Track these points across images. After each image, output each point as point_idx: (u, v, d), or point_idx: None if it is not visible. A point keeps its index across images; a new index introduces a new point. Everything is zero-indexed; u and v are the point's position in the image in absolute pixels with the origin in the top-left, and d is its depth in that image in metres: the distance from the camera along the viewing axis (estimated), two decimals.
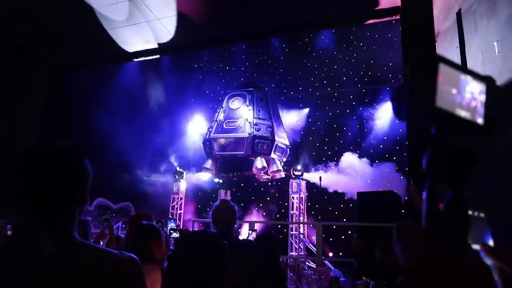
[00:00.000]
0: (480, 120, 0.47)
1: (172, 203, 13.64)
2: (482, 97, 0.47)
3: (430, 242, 0.43)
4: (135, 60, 8.07)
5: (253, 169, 12.29)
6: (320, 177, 11.79)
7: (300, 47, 14.84)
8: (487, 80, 0.48)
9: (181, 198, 13.77)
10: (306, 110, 15.33)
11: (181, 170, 14.20)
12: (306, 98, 15.26)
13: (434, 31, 4.73)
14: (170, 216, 12.97)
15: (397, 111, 0.46)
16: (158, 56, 7.99)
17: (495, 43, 3.52)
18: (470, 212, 0.46)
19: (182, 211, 13.69)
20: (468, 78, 0.46)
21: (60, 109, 9.53)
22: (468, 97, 0.46)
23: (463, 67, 0.46)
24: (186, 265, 1.48)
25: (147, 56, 7.50)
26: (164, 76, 14.69)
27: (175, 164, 14.80)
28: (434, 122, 0.46)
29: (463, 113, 0.45)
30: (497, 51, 3.49)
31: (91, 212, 11.43)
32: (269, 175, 12.99)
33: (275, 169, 12.67)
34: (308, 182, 13.06)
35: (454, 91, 0.45)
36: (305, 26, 6.77)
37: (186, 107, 15.99)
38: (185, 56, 14.53)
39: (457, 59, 4.28)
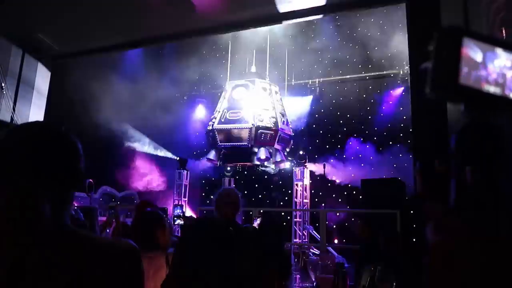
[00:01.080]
0: None
1: (176, 191, 13.72)
2: None
3: (458, 224, 0.41)
4: None
5: (257, 159, 12.27)
6: (324, 164, 11.79)
7: (302, 34, 14.68)
8: None
9: (185, 186, 13.84)
10: (310, 98, 15.25)
11: (184, 158, 14.23)
12: (310, 85, 15.16)
13: (440, 15, 4.64)
14: (175, 203, 13.05)
15: (426, 88, 0.44)
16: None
17: None
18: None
19: (186, 199, 13.77)
20: (498, 50, 0.43)
21: (61, 98, 9.52)
22: (497, 71, 0.43)
23: (493, 39, 0.43)
24: (193, 252, 1.48)
25: None
26: (164, 63, 14.63)
27: (177, 155, 14.83)
28: (460, 100, 0.43)
29: (492, 89, 0.43)
30: None
31: (96, 200, 11.50)
32: (273, 166, 12.98)
33: (279, 159, 12.64)
34: (312, 172, 13.06)
35: (480, 66, 0.42)
36: (309, 12, 6.68)
37: (189, 93, 15.94)
38: (187, 43, 14.41)
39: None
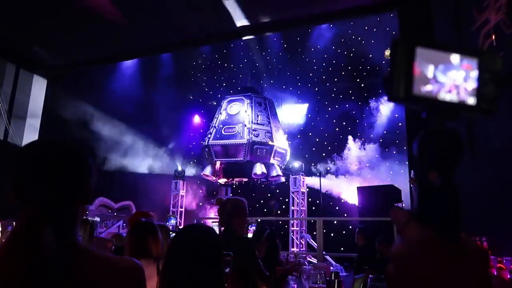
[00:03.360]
0: (472, 100, 0.44)
1: (173, 201, 13.66)
2: (474, 74, 0.44)
3: (419, 229, 0.41)
4: None
5: (253, 175, 12.25)
6: (320, 173, 11.78)
7: (298, 42, 14.79)
8: (479, 55, 0.45)
9: (182, 196, 13.78)
10: (305, 106, 15.31)
11: (181, 168, 14.20)
12: (305, 93, 15.21)
13: (432, 20, 4.70)
14: (170, 214, 12.98)
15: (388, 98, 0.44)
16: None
17: None
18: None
19: (183, 209, 13.70)
20: (454, 56, 0.44)
21: (56, 111, 9.51)
22: (452, 78, 0.43)
23: (447, 45, 0.44)
24: (180, 259, 1.48)
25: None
26: (162, 73, 14.66)
27: (176, 163, 14.80)
28: (422, 108, 0.44)
29: (448, 96, 0.43)
30: None
31: (92, 212, 11.44)
32: (269, 181, 12.97)
33: (274, 174, 12.63)
34: (309, 188, 13.02)
35: (435, 74, 0.43)
36: (303, 21, 6.74)
37: (186, 104, 15.97)
38: (182, 54, 14.49)
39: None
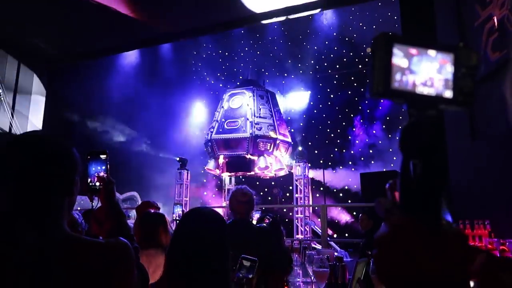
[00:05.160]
0: (448, 93, 0.46)
1: (178, 191, 13.73)
2: (450, 69, 0.47)
3: (401, 216, 0.43)
4: None
5: (256, 168, 12.25)
6: (323, 164, 11.76)
7: (299, 29, 14.68)
8: (454, 49, 0.48)
9: (186, 186, 13.86)
10: (308, 93, 15.25)
11: (184, 158, 14.24)
12: (307, 81, 15.16)
13: (433, 7, 4.65)
14: (176, 202, 13.06)
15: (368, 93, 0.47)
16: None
17: None
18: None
19: (188, 198, 13.79)
20: (430, 52, 0.46)
21: (59, 102, 9.54)
22: (429, 73, 0.46)
23: (424, 41, 0.46)
24: (182, 242, 1.48)
25: None
26: (163, 65, 14.62)
27: (179, 153, 14.84)
28: (398, 102, 0.46)
29: (426, 90, 0.46)
30: None
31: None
32: (273, 174, 12.96)
33: (278, 167, 12.61)
34: (312, 179, 13.02)
35: (412, 69, 0.45)
36: (305, 7, 6.68)
37: (187, 93, 15.94)
38: (182, 43, 14.41)
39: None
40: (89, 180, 1.47)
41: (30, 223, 0.98)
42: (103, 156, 1.50)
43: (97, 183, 1.45)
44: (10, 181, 1.01)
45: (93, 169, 1.48)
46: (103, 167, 1.48)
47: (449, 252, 0.43)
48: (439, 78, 0.46)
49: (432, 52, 0.46)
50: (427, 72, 0.46)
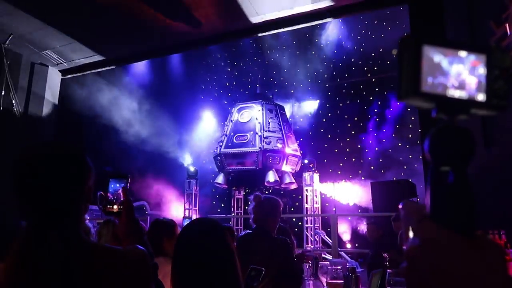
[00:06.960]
0: (481, 97, 0.44)
1: (186, 201, 13.73)
2: (482, 70, 0.45)
3: (432, 227, 0.41)
4: None
5: (265, 182, 12.21)
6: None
7: (306, 39, 14.72)
8: (487, 50, 0.45)
9: (195, 196, 13.85)
10: (316, 102, 15.22)
11: (193, 168, 14.26)
12: (316, 90, 15.16)
13: (443, 14, 4.62)
14: (184, 215, 13.05)
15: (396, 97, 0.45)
16: None
17: None
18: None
19: (197, 208, 13.77)
20: (462, 53, 0.44)
21: (72, 110, 9.65)
22: (460, 75, 0.44)
23: (455, 42, 0.44)
24: (185, 254, 1.47)
25: None
26: (172, 74, 14.75)
27: (187, 162, 14.87)
28: (432, 106, 0.45)
29: (457, 93, 0.43)
30: None
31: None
32: (282, 188, 12.90)
33: (287, 181, 12.54)
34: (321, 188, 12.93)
35: (442, 72, 0.43)
36: (313, 16, 6.68)
37: (196, 103, 16.03)
38: (192, 54, 14.53)
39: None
40: (108, 200, 1.46)
41: (60, 235, 1.00)
42: (123, 179, 1.49)
43: (115, 206, 1.44)
44: (31, 194, 1.02)
45: (112, 186, 1.47)
46: (122, 187, 1.48)
47: (493, 266, 0.40)
48: (471, 80, 0.44)
49: (463, 53, 0.44)
50: (458, 74, 0.44)
